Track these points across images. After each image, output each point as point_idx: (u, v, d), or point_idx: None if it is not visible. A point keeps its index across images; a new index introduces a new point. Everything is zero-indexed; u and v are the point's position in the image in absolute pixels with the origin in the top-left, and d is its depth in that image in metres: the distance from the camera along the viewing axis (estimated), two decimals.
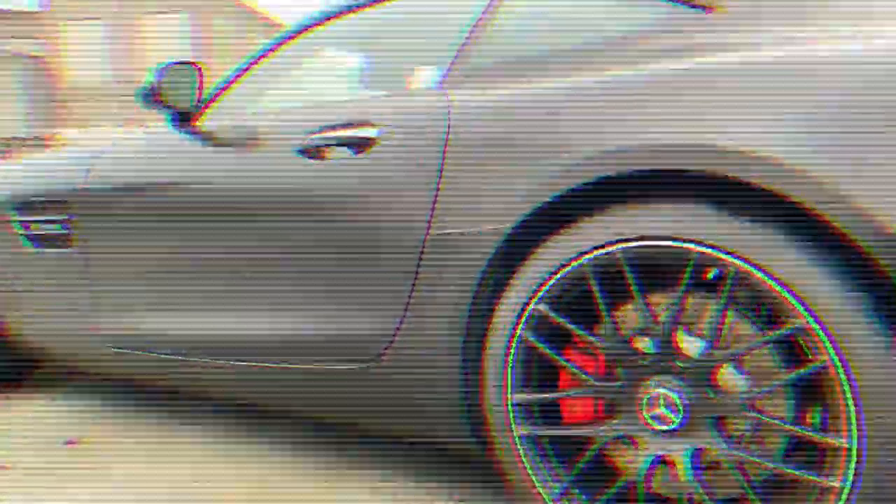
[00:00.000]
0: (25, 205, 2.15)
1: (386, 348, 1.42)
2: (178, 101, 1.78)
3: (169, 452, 1.85)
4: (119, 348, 1.94)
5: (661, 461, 1.16)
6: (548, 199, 1.20)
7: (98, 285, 1.96)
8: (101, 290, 1.96)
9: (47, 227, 2.09)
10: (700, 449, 1.12)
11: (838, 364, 0.97)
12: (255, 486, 1.63)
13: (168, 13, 25.45)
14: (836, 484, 0.99)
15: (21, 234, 2.16)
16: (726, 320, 1.11)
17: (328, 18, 1.85)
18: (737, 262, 1.04)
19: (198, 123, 1.84)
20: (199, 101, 1.83)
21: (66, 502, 1.58)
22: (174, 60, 1.78)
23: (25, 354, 2.35)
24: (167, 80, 1.75)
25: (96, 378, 2.61)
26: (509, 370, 1.26)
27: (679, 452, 1.13)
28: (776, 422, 1.04)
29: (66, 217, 2.03)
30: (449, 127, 1.36)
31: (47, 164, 2.20)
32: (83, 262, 1.99)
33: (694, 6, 1.29)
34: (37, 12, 26.69)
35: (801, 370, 1.01)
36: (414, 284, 1.37)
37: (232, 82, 1.90)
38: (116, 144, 2.02)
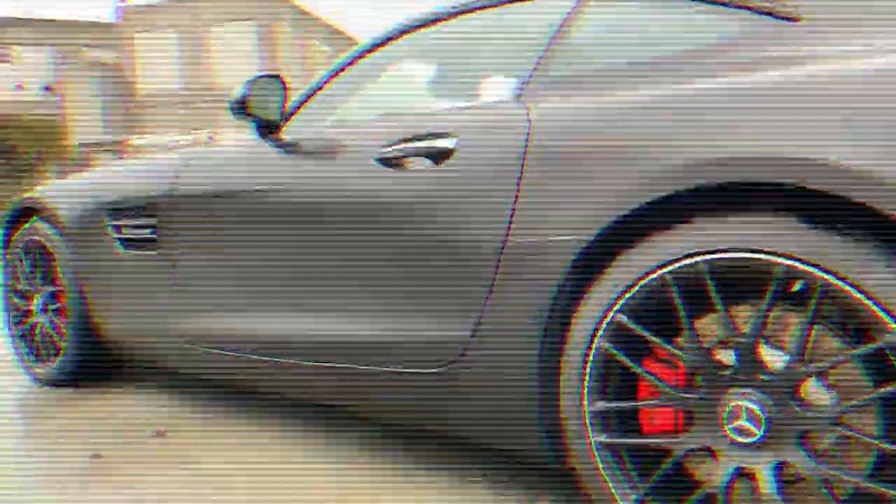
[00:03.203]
0: (118, 209, 2.28)
1: (463, 353, 1.45)
2: (264, 112, 1.87)
3: (251, 447, 1.93)
4: (203, 348, 2.03)
5: (743, 474, 1.15)
6: (629, 210, 1.21)
7: (184, 287, 2.07)
8: (187, 292, 2.06)
9: (138, 231, 2.21)
10: (783, 462, 1.11)
11: None
12: (331, 485, 1.69)
13: (236, 21, 26.26)
14: None
15: (114, 238, 2.29)
16: (812, 334, 1.10)
17: (405, 32, 1.91)
18: (825, 276, 1.03)
19: (281, 134, 1.92)
20: (283, 113, 1.91)
21: (153, 489, 1.67)
22: (261, 73, 1.86)
23: (116, 351, 2.49)
24: (255, 93, 1.84)
25: (183, 375, 2.73)
26: (587, 378, 1.28)
27: (761, 466, 1.12)
28: (864, 437, 1.03)
29: (156, 222, 2.15)
30: (528, 137, 1.39)
31: (138, 171, 2.32)
32: (171, 264, 2.10)
33: (779, 17, 1.28)
34: (113, 23, 27.96)
35: (892, 386, 1.00)
36: (491, 291, 1.40)
37: (313, 94, 1.98)
38: (203, 153, 2.12)
